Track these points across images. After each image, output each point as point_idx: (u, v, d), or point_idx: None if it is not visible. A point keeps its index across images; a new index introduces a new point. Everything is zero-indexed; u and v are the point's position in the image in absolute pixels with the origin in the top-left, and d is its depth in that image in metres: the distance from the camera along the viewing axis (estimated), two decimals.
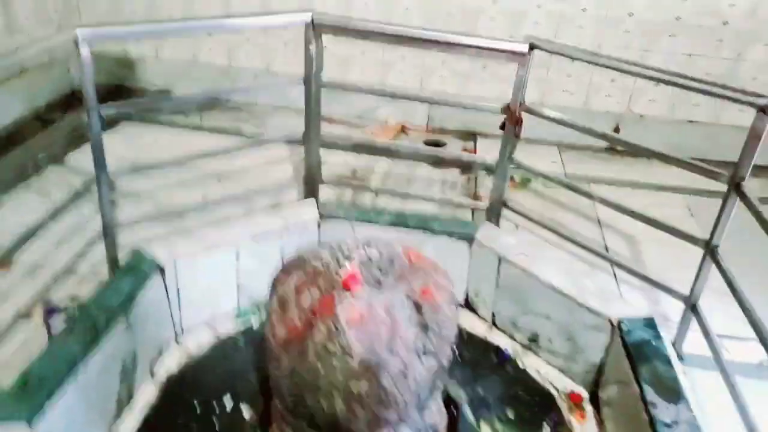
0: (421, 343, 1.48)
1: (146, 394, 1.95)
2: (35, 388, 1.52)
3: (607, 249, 2.98)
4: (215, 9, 4.02)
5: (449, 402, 1.91)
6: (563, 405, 2.08)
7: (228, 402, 1.91)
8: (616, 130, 3.99)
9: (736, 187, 1.98)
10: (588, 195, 2.48)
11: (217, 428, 1.84)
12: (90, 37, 1.88)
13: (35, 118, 3.74)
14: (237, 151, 2.48)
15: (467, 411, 1.91)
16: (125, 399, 1.88)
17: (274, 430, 1.69)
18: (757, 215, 1.85)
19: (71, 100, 4.00)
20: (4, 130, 3.52)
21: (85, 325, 1.73)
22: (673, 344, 2.20)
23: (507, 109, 2.41)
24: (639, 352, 1.91)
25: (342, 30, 2.41)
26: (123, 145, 3.34)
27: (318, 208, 2.46)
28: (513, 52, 2.33)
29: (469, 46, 2.36)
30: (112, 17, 4.14)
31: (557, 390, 2.15)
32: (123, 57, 4.24)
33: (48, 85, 3.90)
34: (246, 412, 1.88)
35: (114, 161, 2.08)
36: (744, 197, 1.95)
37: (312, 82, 2.38)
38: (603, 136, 2.47)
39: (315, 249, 1.67)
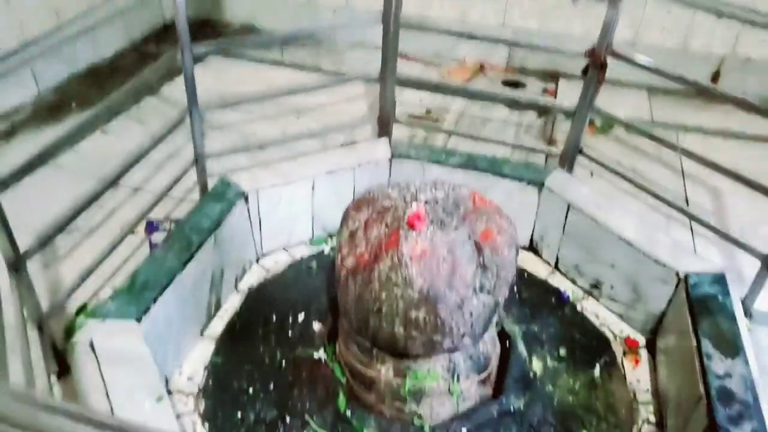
0: (478, 282, 1.58)
1: (231, 304, 2.20)
2: (142, 292, 1.77)
3: (687, 202, 2.89)
4: None
5: (504, 336, 2.01)
6: (618, 349, 2.13)
7: (300, 316, 2.12)
8: (716, 75, 3.72)
9: None
10: (670, 145, 2.39)
11: (290, 336, 2.05)
12: None
13: (133, 50, 4.02)
14: (319, 89, 2.58)
15: (520, 345, 2.01)
16: (214, 307, 2.13)
17: (341, 344, 1.88)
18: None
19: (164, 33, 4.25)
20: (106, 61, 3.83)
21: (180, 242, 1.96)
22: (743, 301, 2.17)
23: (591, 53, 2.33)
24: (702, 306, 1.90)
25: None
26: (210, 78, 3.54)
27: (390, 148, 2.55)
28: None
29: None
30: None
31: (614, 334, 2.19)
32: None
33: (143, 19, 4.14)
34: (316, 326, 2.08)
35: (203, 93, 2.25)
36: None
37: (390, 21, 2.41)
38: (696, 86, 2.33)
39: (384, 188, 1.77)
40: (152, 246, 2.24)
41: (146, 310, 1.75)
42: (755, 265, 2.19)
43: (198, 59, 2.13)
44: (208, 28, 4.41)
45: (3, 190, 1.53)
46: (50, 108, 3.32)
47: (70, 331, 1.93)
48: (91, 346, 1.65)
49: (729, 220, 2.76)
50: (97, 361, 1.62)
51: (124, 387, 1.55)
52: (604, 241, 2.24)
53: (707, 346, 1.76)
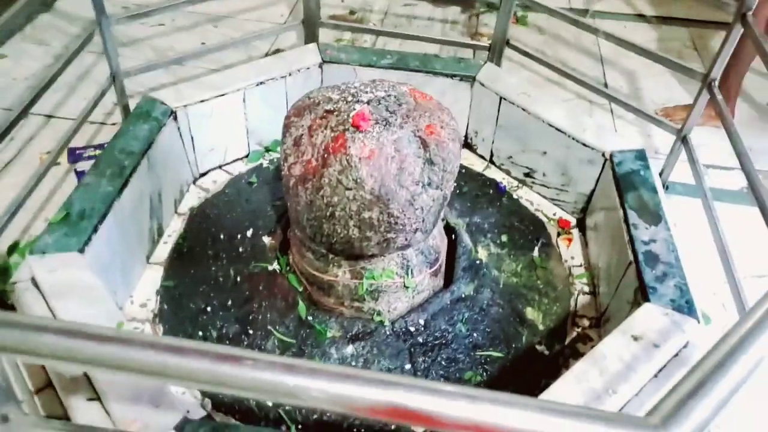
0: (426, 176, 1.61)
1: (174, 228, 2.15)
2: (80, 222, 1.69)
3: (606, 85, 3.02)
4: None
5: (450, 229, 2.11)
6: (552, 231, 2.29)
7: (248, 232, 2.10)
8: None
9: (741, 18, 1.97)
10: (591, 29, 2.46)
11: (241, 252, 2.04)
12: None
13: None
14: None
15: (465, 237, 2.11)
16: (156, 231, 2.08)
17: (294, 254, 1.90)
18: (759, 48, 1.87)
19: None
20: None
21: (112, 167, 1.86)
22: (660, 174, 2.36)
23: None
24: (626, 181, 2.05)
25: None
26: None
27: (320, 53, 2.46)
28: None
29: None
30: None
31: (547, 218, 2.34)
32: None
33: None
34: (266, 240, 2.07)
35: (106, 5, 2.05)
36: (749, 29, 1.96)
37: None
38: None
39: (324, 90, 1.73)
40: (79, 175, 2.12)
41: (88, 240, 1.68)
42: (669, 140, 2.38)
43: None
44: None
45: None
46: None
47: (5, 272, 1.83)
48: (34, 282, 1.58)
49: (644, 100, 2.94)
50: (44, 297, 1.55)
51: (80, 320, 1.50)
52: (535, 130, 2.33)
53: (633, 216, 1.92)
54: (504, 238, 2.19)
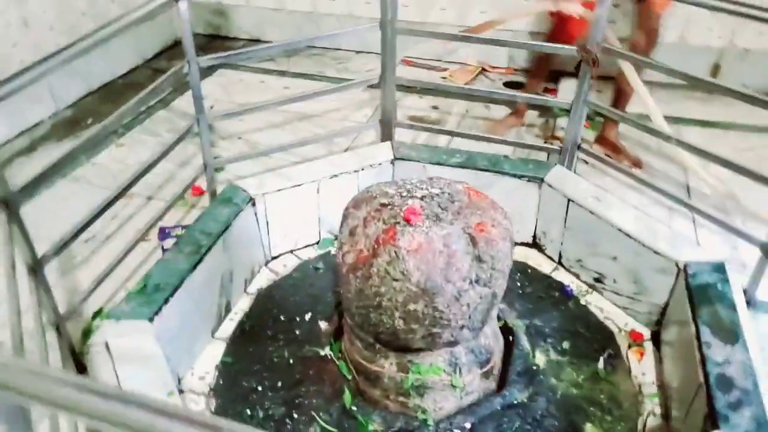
0: (474, 273, 1.62)
1: (241, 306, 2.26)
2: (154, 294, 1.85)
3: (690, 191, 2.90)
4: None
5: (507, 330, 2.05)
6: (623, 342, 2.15)
7: (307, 316, 2.17)
8: (716, 69, 3.72)
9: None
10: (666, 137, 2.42)
11: (298, 335, 2.10)
12: None
13: (145, 66, 4.16)
14: (320, 95, 2.66)
15: (523, 339, 2.04)
16: (224, 308, 2.20)
17: (346, 341, 1.93)
18: None
19: (175, 48, 4.39)
20: (121, 78, 3.98)
21: (190, 246, 2.04)
22: (746, 290, 2.18)
23: (583, 50, 2.37)
24: (701, 295, 1.91)
25: None
26: (219, 89, 3.67)
27: (392, 150, 2.60)
28: None
29: None
30: None
31: (618, 328, 2.21)
32: (217, 7, 4.53)
33: (155, 36, 4.29)
34: (322, 325, 2.13)
35: (214, 104, 2.35)
36: None
37: (387, 27, 2.48)
38: (693, 79, 2.34)
39: (383, 185, 1.83)
40: (164, 251, 2.33)
41: (158, 310, 1.82)
42: (757, 252, 2.20)
43: (205, 72, 2.22)
44: (217, 42, 4.55)
45: (22, 200, 1.62)
46: (67, 124, 3.46)
47: (87, 334, 2.01)
48: (106, 346, 1.72)
49: (732, 209, 2.77)
50: (112, 360, 1.68)
51: (136, 383, 1.60)
52: (605, 235, 2.26)
53: (706, 334, 1.76)
54: (566, 344, 2.09)
